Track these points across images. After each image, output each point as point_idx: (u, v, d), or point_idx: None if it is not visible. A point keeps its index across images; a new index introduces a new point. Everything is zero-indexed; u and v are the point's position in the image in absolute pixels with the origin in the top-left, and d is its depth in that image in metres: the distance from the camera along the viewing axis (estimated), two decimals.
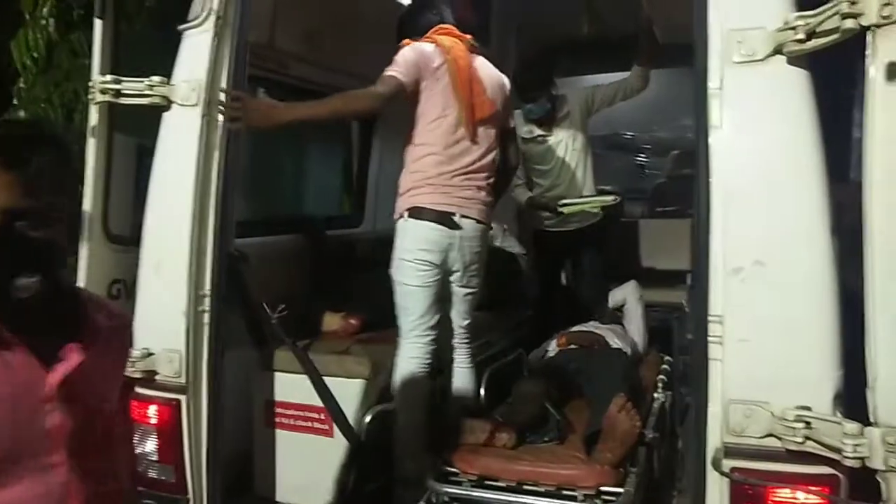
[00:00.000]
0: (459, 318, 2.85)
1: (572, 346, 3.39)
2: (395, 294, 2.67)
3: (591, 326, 3.68)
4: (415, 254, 2.61)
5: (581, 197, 3.84)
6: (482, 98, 2.69)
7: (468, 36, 2.77)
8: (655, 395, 3.24)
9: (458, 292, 2.79)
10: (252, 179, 3.50)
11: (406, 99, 2.59)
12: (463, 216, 2.64)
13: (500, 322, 3.69)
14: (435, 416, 2.70)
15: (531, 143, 3.88)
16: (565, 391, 2.96)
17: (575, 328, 3.63)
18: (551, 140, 3.89)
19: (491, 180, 2.76)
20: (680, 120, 5.32)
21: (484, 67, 2.78)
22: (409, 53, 2.59)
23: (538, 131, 3.88)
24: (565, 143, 3.88)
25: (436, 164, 2.62)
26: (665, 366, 3.62)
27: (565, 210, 3.77)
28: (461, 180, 2.64)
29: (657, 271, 4.63)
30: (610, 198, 3.89)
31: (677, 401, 3.31)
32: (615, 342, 3.44)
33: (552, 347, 3.45)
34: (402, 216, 2.65)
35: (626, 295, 3.97)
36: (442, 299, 2.74)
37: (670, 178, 5.59)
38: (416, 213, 2.61)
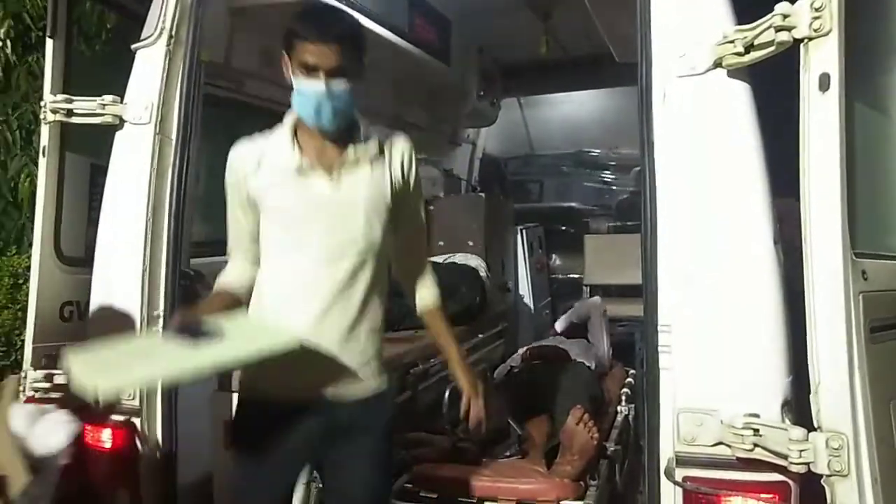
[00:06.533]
0: None
1: (536, 361, 3.40)
2: None
3: (556, 341, 3.70)
4: None
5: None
6: None
7: None
8: (619, 408, 3.26)
9: None
10: (210, 198, 3.47)
11: None
12: None
13: (464, 337, 3.68)
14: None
15: (287, 182, 1.76)
16: (528, 405, 2.95)
17: (539, 342, 3.65)
18: (323, 184, 1.75)
19: None
20: None
21: None
22: None
23: (295, 157, 1.76)
24: (352, 202, 1.75)
25: None
26: (629, 379, 3.65)
27: None
28: None
29: (622, 286, 4.68)
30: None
31: (640, 413, 3.33)
32: (579, 356, 3.46)
33: (517, 362, 3.46)
34: None
35: (591, 309, 4.00)
36: None
37: (633, 194, 5.66)
38: None
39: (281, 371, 1.65)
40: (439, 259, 4.04)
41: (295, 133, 1.78)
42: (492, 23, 4.33)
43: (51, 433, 1.92)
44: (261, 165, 1.78)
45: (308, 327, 1.69)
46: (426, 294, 1.96)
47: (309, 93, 1.68)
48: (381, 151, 1.80)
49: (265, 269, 1.82)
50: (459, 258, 4.08)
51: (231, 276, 1.87)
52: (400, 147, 1.83)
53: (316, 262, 1.72)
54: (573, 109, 6.06)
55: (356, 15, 1.98)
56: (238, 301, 1.83)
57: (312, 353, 1.69)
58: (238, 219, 1.85)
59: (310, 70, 1.66)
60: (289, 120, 1.79)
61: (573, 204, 6.14)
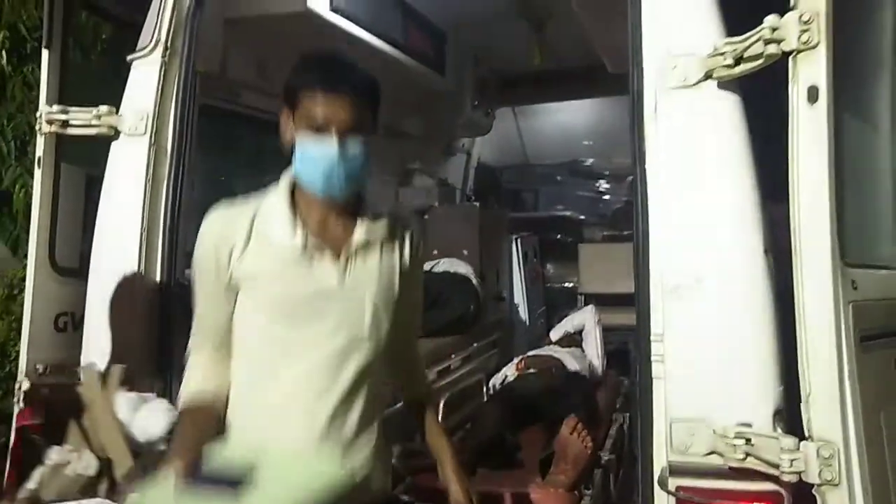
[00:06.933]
0: None
1: (531, 371, 3.40)
2: None
3: (550, 350, 3.71)
4: None
5: None
6: None
7: None
8: (613, 417, 3.27)
9: None
10: (205, 209, 3.47)
11: None
12: None
13: (459, 347, 3.68)
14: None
15: (287, 266, 1.51)
16: (522, 415, 2.96)
17: (533, 352, 3.66)
18: (330, 272, 1.51)
19: None
20: None
21: None
22: None
23: (297, 235, 1.49)
24: (361, 294, 1.53)
25: None
26: (623, 388, 3.66)
27: None
28: None
29: (617, 294, 4.68)
30: None
31: (634, 423, 3.33)
32: (573, 365, 3.47)
33: (511, 372, 3.46)
34: None
35: (585, 318, 4.02)
36: None
37: (627, 203, 5.69)
38: None
39: None
40: (426, 266, 4.00)
41: (292, 201, 1.50)
42: (486, 33, 4.36)
43: (152, 420, 1.92)
44: (251, 241, 1.46)
45: (311, 444, 1.44)
46: (418, 389, 1.80)
47: (318, 155, 1.42)
48: (392, 233, 1.56)
49: (249, 373, 1.50)
50: (445, 264, 4.03)
51: (204, 385, 1.51)
52: (412, 231, 1.61)
53: (317, 366, 1.45)
54: (567, 119, 6.10)
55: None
56: (219, 418, 1.49)
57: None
58: (217, 306, 1.50)
59: (319, 128, 1.41)
60: (284, 184, 1.51)
61: (568, 213, 6.17)
